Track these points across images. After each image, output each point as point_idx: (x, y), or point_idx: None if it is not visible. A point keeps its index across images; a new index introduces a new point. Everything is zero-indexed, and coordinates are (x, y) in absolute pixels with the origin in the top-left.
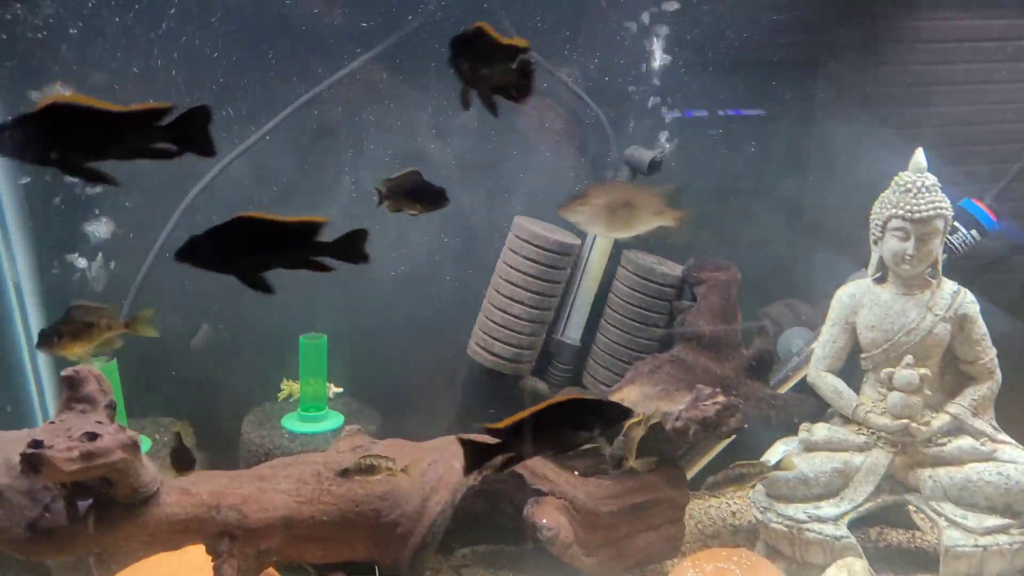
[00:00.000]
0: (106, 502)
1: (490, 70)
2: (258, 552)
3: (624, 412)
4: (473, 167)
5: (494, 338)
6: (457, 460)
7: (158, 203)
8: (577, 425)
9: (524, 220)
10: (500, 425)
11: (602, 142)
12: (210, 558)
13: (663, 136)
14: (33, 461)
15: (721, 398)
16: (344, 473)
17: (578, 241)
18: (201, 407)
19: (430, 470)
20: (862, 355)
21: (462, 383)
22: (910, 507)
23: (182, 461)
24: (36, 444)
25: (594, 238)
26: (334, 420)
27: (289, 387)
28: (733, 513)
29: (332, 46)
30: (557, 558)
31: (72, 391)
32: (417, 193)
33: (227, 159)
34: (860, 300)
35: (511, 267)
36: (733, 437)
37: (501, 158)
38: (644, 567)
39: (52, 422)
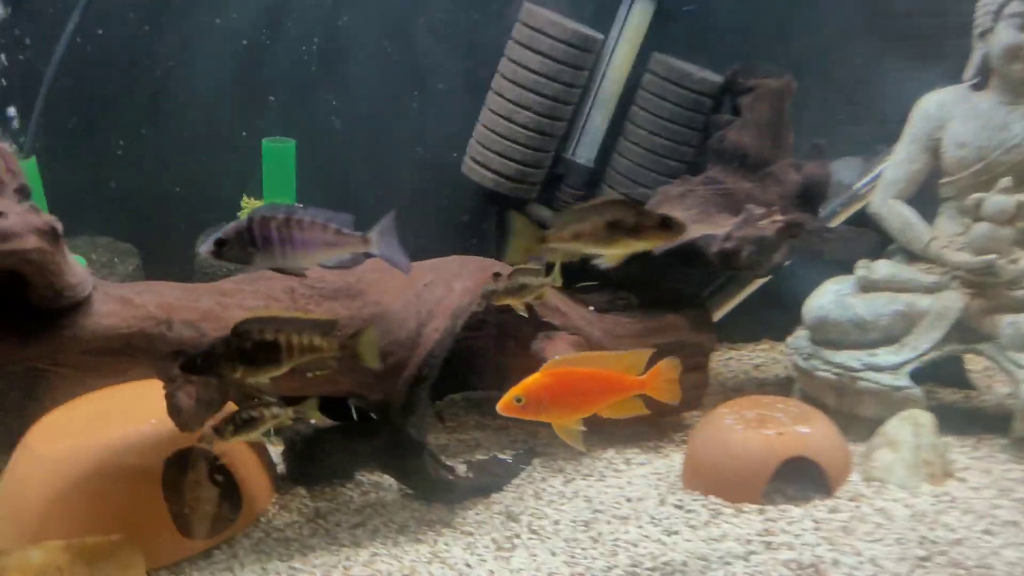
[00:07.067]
0: (23, 306)
1: None
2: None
3: None
4: None
5: (494, 152)
6: (458, 281)
7: None
8: None
9: (535, 6)
10: None
11: None
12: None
13: None
14: None
15: (779, 216)
16: (489, 295)
17: (600, 35)
18: (148, 226)
19: (426, 291)
20: (943, 180)
21: (457, 208)
22: (966, 361)
23: None
24: None
25: (619, 33)
26: None
27: (249, 204)
28: (756, 366)
29: None
30: None
31: None
32: None
33: None
34: (951, 111)
35: (518, 64)
36: (769, 276)
37: None
38: (658, 418)
39: None
